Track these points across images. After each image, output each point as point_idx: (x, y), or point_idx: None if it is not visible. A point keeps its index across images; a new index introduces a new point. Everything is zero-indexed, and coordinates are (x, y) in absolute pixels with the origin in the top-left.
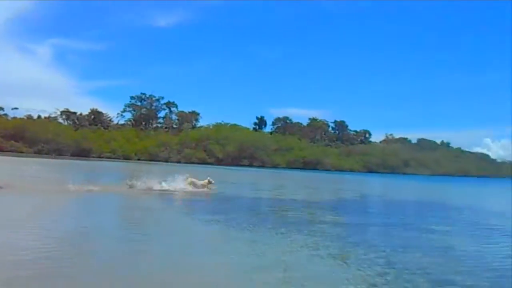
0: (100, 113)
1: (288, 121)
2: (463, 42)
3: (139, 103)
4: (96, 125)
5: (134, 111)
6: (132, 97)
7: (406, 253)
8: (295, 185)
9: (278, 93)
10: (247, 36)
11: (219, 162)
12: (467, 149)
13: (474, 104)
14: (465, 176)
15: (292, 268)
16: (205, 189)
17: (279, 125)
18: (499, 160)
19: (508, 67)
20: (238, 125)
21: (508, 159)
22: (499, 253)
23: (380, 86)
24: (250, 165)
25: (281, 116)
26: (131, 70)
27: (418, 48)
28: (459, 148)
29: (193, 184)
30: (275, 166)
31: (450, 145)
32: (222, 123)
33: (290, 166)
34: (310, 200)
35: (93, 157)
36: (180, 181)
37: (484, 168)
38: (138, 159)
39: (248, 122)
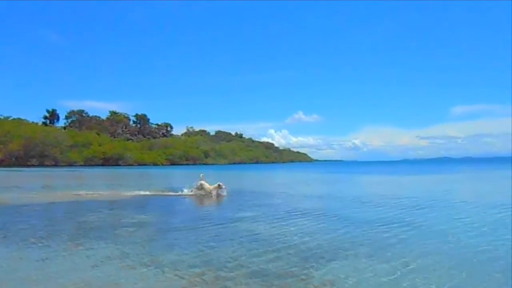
0: None
1: (84, 115)
2: (244, 42)
3: None
4: None
5: None
6: None
7: (220, 247)
8: (95, 183)
9: (72, 84)
10: (33, 19)
11: None
12: (256, 139)
13: (262, 100)
14: (256, 163)
15: None
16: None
17: (74, 119)
18: (281, 148)
19: (278, 69)
20: (23, 120)
21: (287, 146)
22: (302, 232)
23: (180, 80)
24: (41, 165)
25: (76, 109)
26: None
27: (205, 46)
28: (250, 138)
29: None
30: (71, 164)
31: (243, 136)
32: (2, 117)
33: (89, 163)
34: (113, 199)
35: None
36: None
37: (270, 155)
38: None
39: (36, 117)
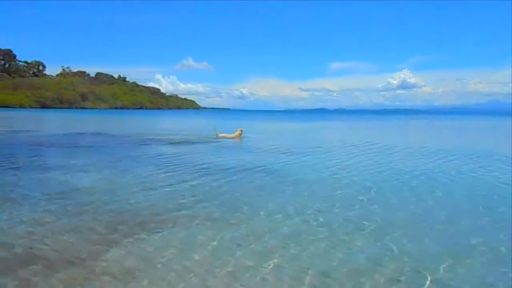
0: None
1: None
2: None
3: None
4: None
5: None
6: None
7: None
8: None
9: None
10: None
11: None
12: (142, 84)
13: (149, 43)
14: (140, 108)
15: None
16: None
17: None
18: (168, 94)
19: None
20: None
21: (175, 92)
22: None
23: (56, 14)
24: None
25: None
26: None
27: None
28: (134, 83)
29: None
30: None
31: (127, 80)
32: None
33: None
34: None
35: None
36: None
37: (155, 101)
38: None
39: None
